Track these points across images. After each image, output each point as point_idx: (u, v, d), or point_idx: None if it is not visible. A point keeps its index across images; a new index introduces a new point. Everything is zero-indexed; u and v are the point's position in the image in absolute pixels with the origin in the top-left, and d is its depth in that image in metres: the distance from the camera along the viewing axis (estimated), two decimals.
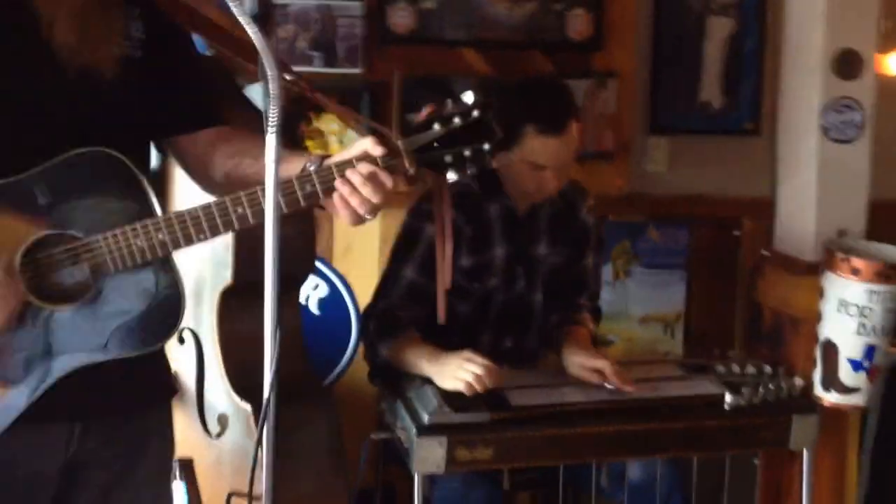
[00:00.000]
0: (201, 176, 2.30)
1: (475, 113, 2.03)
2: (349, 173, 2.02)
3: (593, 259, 3.49)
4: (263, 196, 1.97)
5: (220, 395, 2.77)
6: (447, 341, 3.09)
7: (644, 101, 4.30)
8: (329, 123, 3.98)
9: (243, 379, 2.71)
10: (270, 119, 1.81)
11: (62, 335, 2.03)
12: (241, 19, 1.79)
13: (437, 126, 2.03)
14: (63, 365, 2.03)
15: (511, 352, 3.29)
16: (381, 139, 2.06)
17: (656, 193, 4.32)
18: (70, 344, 2.03)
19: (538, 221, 3.33)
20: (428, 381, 2.98)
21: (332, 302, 4.07)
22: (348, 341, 4.10)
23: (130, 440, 2.22)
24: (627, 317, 4.31)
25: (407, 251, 3.19)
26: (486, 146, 2.04)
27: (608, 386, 3.04)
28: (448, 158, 2.04)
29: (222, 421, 2.78)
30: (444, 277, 2.44)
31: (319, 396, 2.87)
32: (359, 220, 2.06)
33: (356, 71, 4.01)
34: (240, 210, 2.03)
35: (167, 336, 2.11)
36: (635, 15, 4.21)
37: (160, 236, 2.01)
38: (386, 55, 4.05)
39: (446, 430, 2.79)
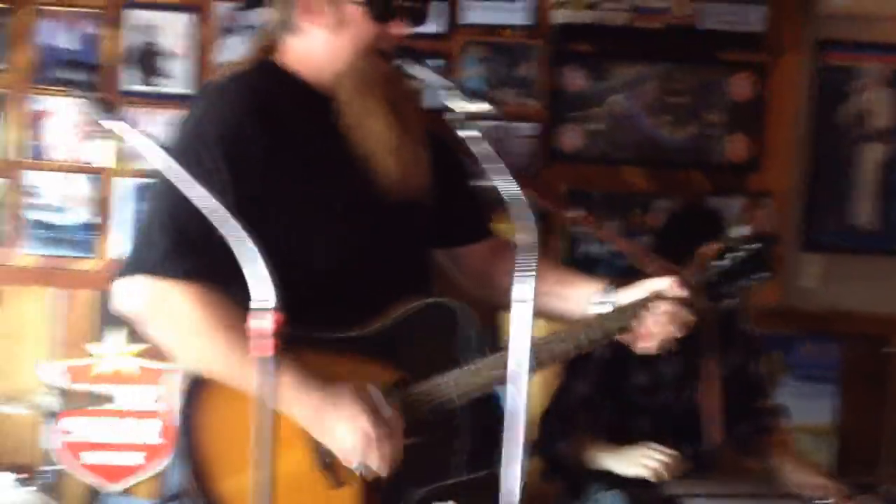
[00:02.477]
0: (480, 286, 2.56)
1: (756, 246, 2.26)
2: (655, 312, 2.27)
3: (765, 365, 3.62)
4: (581, 333, 2.27)
5: None
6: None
7: (798, 219, 4.47)
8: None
9: None
10: (525, 260, 1.99)
11: (408, 465, 2.27)
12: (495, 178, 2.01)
13: (723, 261, 2.27)
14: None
15: (692, 458, 3.42)
16: (680, 278, 2.30)
17: (809, 308, 4.47)
18: (415, 473, 2.28)
19: (702, 334, 3.49)
20: (613, 484, 3.13)
21: None
22: None
23: None
24: None
25: (581, 366, 3.38)
26: (766, 275, 2.26)
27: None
28: (732, 289, 2.28)
29: None
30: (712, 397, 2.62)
31: None
32: (660, 349, 2.29)
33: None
34: (559, 347, 2.30)
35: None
36: (792, 139, 4.41)
37: (495, 374, 2.27)
38: (554, 172, 4.30)
39: None
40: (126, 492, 4.38)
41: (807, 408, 4.47)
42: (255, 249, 1.64)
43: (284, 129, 2.25)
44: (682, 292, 2.31)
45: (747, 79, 4.36)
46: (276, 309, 1.62)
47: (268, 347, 1.61)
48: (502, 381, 2.27)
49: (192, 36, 4.35)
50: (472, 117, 2.10)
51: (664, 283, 2.33)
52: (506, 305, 2.51)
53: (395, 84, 2.30)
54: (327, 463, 2.25)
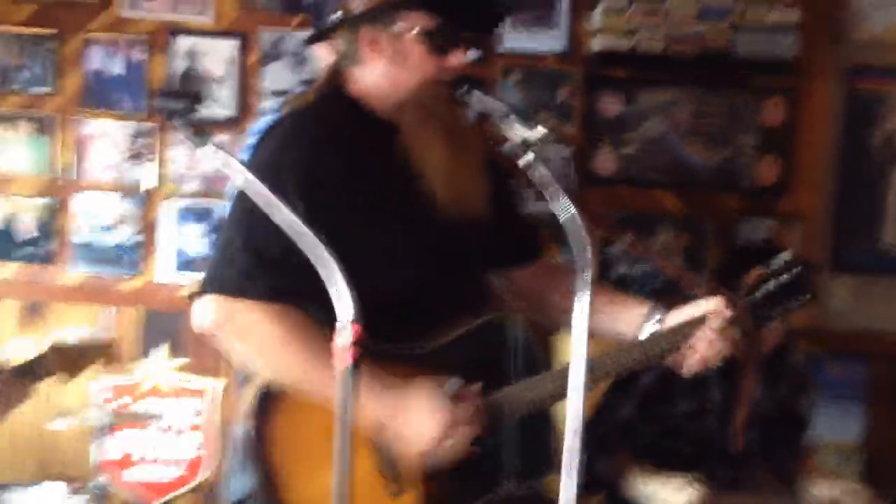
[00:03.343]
0: (532, 307, 2.67)
1: (797, 270, 2.39)
2: (704, 332, 2.39)
3: (808, 400, 3.70)
4: (633, 352, 2.39)
5: None
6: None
7: (828, 241, 4.56)
8: None
9: None
10: (585, 279, 2.08)
11: (463, 475, 2.36)
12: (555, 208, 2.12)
13: (767, 284, 2.40)
14: None
15: (730, 483, 3.47)
16: (727, 299, 2.42)
17: (837, 328, 4.55)
18: (469, 484, 2.38)
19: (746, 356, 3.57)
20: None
21: None
22: None
23: None
24: None
25: (623, 388, 3.45)
26: (806, 297, 2.40)
27: None
28: (777, 310, 2.42)
29: None
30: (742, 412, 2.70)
31: None
32: (706, 367, 2.42)
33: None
34: (611, 365, 2.42)
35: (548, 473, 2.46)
36: (822, 162, 4.51)
37: (550, 390, 2.38)
38: (589, 194, 4.40)
39: None
40: None
41: (835, 426, 4.54)
42: (337, 267, 1.74)
43: (353, 157, 2.36)
44: (730, 313, 2.41)
45: (778, 103, 4.46)
46: (355, 321, 1.72)
47: (349, 358, 1.71)
48: (557, 397, 2.38)
49: (236, 61, 4.47)
50: (529, 143, 2.21)
51: (712, 304, 2.44)
52: (558, 325, 2.65)
53: (454, 110, 2.40)
54: (389, 471, 2.35)
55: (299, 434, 2.32)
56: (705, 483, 3.17)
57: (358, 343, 1.70)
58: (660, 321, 2.47)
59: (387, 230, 2.36)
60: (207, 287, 2.31)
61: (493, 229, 2.53)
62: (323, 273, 1.74)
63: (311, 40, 2.64)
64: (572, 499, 1.99)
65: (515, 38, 4.41)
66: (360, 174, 2.35)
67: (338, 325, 1.71)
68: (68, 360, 2.78)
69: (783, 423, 3.57)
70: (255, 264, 2.24)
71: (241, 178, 1.82)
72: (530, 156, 2.18)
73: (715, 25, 4.29)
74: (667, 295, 3.50)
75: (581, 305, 2.01)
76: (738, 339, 2.42)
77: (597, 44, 4.35)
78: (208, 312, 2.30)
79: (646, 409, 3.37)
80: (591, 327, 2.34)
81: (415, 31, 2.37)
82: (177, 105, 1.81)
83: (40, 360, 2.71)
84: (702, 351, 2.41)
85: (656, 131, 4.47)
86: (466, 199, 2.42)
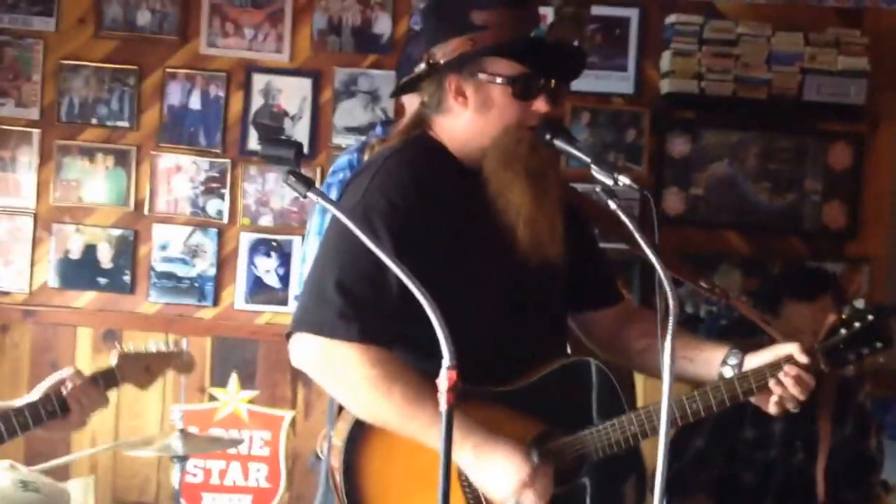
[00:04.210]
0: (610, 349, 2.72)
1: (870, 317, 2.47)
2: (781, 376, 2.45)
3: (878, 440, 3.72)
4: (713, 394, 2.43)
5: None
6: None
7: (894, 284, 4.57)
8: None
9: None
10: (669, 322, 2.13)
11: None
12: (646, 248, 2.17)
13: (842, 331, 2.48)
14: None
15: None
16: (804, 344, 2.48)
17: None
18: None
19: (819, 399, 3.56)
20: None
21: None
22: None
23: None
24: None
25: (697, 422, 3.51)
26: (881, 344, 2.47)
27: None
28: (851, 357, 2.48)
29: None
30: (823, 458, 2.75)
31: None
32: (785, 411, 2.47)
33: (625, 247, 4.41)
34: (694, 406, 2.46)
35: None
36: (888, 206, 4.53)
37: (632, 429, 2.45)
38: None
39: None
40: None
41: None
42: (435, 309, 1.81)
43: (440, 201, 2.42)
44: (806, 358, 2.46)
45: (845, 148, 4.49)
46: (451, 367, 1.79)
47: (445, 402, 1.78)
48: (641, 437, 2.43)
49: (309, 99, 4.58)
50: (611, 191, 2.27)
51: (790, 349, 2.49)
52: (636, 367, 2.70)
53: (537, 155, 2.47)
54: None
55: (389, 469, 2.39)
56: None
57: (454, 389, 1.76)
58: (737, 365, 2.52)
59: (471, 273, 2.42)
60: (302, 326, 2.37)
61: (574, 272, 2.58)
62: (421, 313, 1.80)
63: (399, 91, 2.70)
64: None
65: (584, 80, 4.42)
66: (446, 218, 2.41)
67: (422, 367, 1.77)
68: (141, 368, 2.87)
69: (852, 463, 3.59)
70: (347, 305, 2.31)
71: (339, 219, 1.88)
72: (612, 205, 2.25)
73: (784, 70, 4.33)
74: (733, 336, 3.55)
75: (666, 349, 2.07)
76: (811, 385, 2.46)
77: (665, 86, 4.41)
78: (304, 351, 2.37)
79: (716, 436, 3.41)
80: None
81: (499, 80, 2.43)
82: (284, 153, 1.89)
83: (116, 367, 2.81)
84: (778, 394, 2.46)
85: (724, 173, 4.51)
86: (548, 243, 2.47)
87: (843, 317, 2.52)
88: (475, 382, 2.21)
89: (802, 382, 2.45)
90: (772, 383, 2.46)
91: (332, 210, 1.99)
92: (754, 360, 2.51)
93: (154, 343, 2.94)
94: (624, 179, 2.28)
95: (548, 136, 2.42)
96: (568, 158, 2.47)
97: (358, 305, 2.31)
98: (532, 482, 2.33)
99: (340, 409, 2.48)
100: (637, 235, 2.18)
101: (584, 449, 2.45)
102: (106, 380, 2.81)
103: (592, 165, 2.30)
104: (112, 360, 2.85)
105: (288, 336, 2.40)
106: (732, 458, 3.47)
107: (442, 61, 2.46)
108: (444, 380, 1.77)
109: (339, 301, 2.31)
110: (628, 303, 2.80)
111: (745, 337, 3.42)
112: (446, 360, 1.79)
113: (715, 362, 2.54)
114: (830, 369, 2.51)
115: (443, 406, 1.78)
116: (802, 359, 2.46)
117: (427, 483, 2.19)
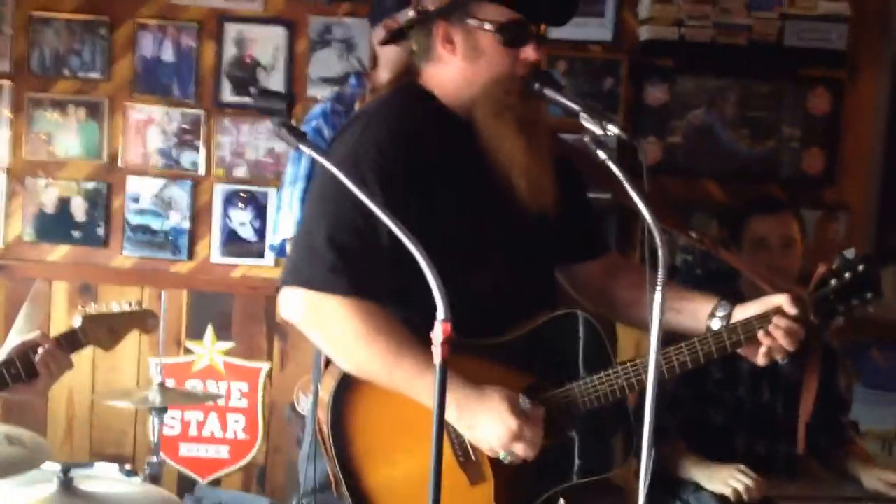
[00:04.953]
0: (597, 301, 2.71)
1: (860, 267, 2.45)
2: (771, 328, 2.44)
3: (845, 379, 3.74)
4: (701, 346, 2.42)
5: None
6: (705, 447, 3.40)
7: (873, 232, 4.59)
8: None
9: None
10: (659, 277, 2.10)
11: (537, 465, 2.42)
12: (636, 198, 2.14)
13: (832, 282, 2.46)
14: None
15: (765, 457, 3.54)
16: (795, 296, 2.47)
17: (881, 318, 4.56)
18: (542, 473, 2.46)
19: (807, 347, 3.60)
20: (700, 487, 3.27)
21: None
22: None
23: None
24: None
25: None
26: (871, 295, 2.46)
27: None
28: (841, 308, 2.47)
29: None
30: (806, 410, 2.77)
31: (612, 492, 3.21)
32: (773, 362, 2.49)
33: (607, 195, 4.39)
34: (681, 358, 2.45)
35: (624, 462, 2.55)
36: (867, 153, 4.53)
37: (619, 382, 2.45)
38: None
39: None
40: (215, 483, 4.55)
41: (875, 414, 4.58)
42: (427, 260, 1.79)
43: (430, 151, 2.39)
44: (796, 309, 2.45)
45: (825, 94, 4.48)
46: (445, 319, 1.77)
47: (440, 354, 1.76)
48: (629, 389, 2.42)
49: (285, 49, 4.51)
50: (601, 141, 2.24)
51: (779, 300, 2.48)
52: (622, 319, 2.69)
53: (527, 104, 2.44)
54: (466, 460, 2.40)
55: (377, 422, 2.38)
56: (757, 472, 3.21)
57: (448, 341, 1.74)
58: (726, 317, 2.51)
59: (464, 224, 2.40)
60: (291, 279, 2.35)
61: (562, 223, 2.56)
62: (414, 266, 1.78)
63: (387, 40, 2.66)
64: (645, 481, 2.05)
65: (562, 27, 4.41)
66: (438, 168, 2.39)
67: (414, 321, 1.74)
68: (105, 329, 2.83)
69: (822, 405, 3.60)
70: (338, 259, 2.28)
71: (334, 175, 1.85)
72: (603, 154, 2.23)
73: (764, 16, 4.30)
74: (708, 285, 3.54)
75: (656, 301, 2.05)
76: (801, 336, 2.46)
77: (644, 33, 4.37)
78: (294, 305, 2.35)
79: (686, 378, 3.42)
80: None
81: (489, 26, 2.39)
82: (276, 105, 1.86)
83: (78, 329, 2.76)
84: (768, 345, 2.44)
85: (702, 121, 4.48)
86: (540, 193, 2.45)
87: (833, 267, 2.50)
88: (467, 335, 2.19)
89: (792, 334, 2.44)
90: (760, 335, 2.45)
91: (323, 162, 1.95)
92: (743, 312, 2.50)
93: (117, 304, 2.89)
94: (613, 128, 2.26)
95: (537, 86, 2.39)
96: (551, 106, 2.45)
97: (348, 259, 2.29)
98: (521, 432, 2.32)
99: (328, 363, 2.46)
100: (627, 186, 2.15)
101: (572, 401, 2.45)
102: (70, 342, 2.76)
103: (582, 114, 2.27)
104: (76, 321, 2.79)
105: (278, 290, 2.37)
106: (701, 399, 3.48)
107: (431, 8, 2.43)
108: (439, 332, 1.74)
109: (329, 255, 2.29)
110: (615, 255, 2.78)
111: (721, 286, 3.44)
112: (440, 313, 1.76)
113: (703, 314, 2.53)
114: (820, 321, 2.49)
115: (437, 359, 1.75)
116: (792, 310, 2.45)
117: (414, 435, 2.19)
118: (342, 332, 2.31)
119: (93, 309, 2.85)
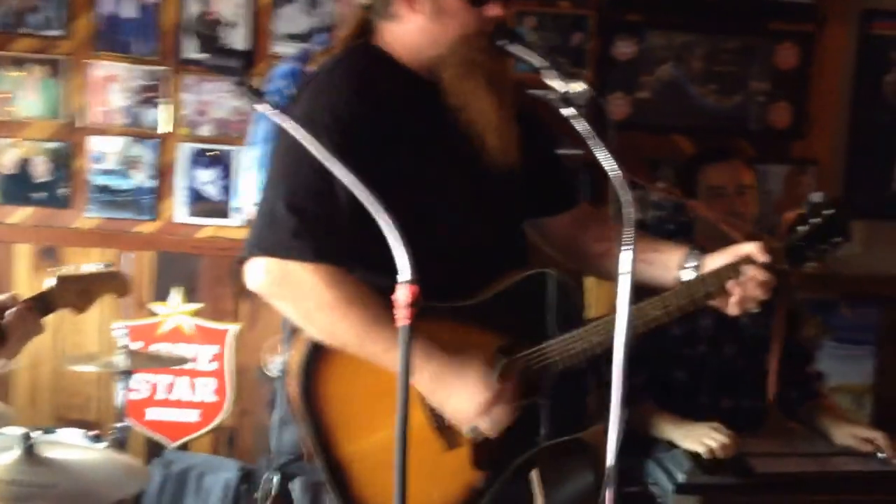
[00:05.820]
0: (567, 254, 2.70)
1: (828, 211, 2.43)
2: (744, 278, 2.41)
3: (812, 331, 3.73)
4: (674, 299, 2.42)
5: None
6: (669, 403, 3.40)
7: (841, 186, 4.58)
8: None
9: None
10: (629, 229, 2.09)
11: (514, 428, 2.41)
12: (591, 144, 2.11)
13: (804, 226, 2.44)
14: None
15: (730, 412, 3.52)
16: (764, 243, 2.45)
17: (850, 274, 4.57)
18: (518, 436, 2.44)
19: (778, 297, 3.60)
20: (673, 445, 3.27)
21: None
22: None
23: None
24: None
25: None
26: (840, 239, 2.44)
27: (879, 456, 3.25)
28: (811, 254, 2.45)
29: None
30: (775, 358, 2.75)
31: (584, 452, 3.20)
32: (745, 311, 2.46)
33: (578, 152, 4.35)
34: (655, 312, 2.43)
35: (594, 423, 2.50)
36: (836, 107, 4.51)
37: (593, 339, 2.42)
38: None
39: (701, 490, 3.07)
40: (183, 447, 4.52)
41: (846, 369, 4.61)
42: (392, 223, 1.75)
43: (390, 112, 2.35)
44: (767, 257, 2.43)
45: (793, 48, 4.45)
46: (411, 281, 1.74)
47: (405, 318, 1.73)
48: (602, 346, 2.40)
49: (248, 4, 4.44)
50: (569, 97, 2.21)
51: (749, 248, 2.46)
52: (592, 271, 2.67)
53: (494, 61, 2.40)
54: (442, 425, 2.38)
55: (349, 391, 2.35)
56: (729, 429, 3.20)
57: (414, 304, 1.71)
58: (697, 267, 2.48)
59: (429, 184, 2.37)
60: (256, 249, 2.31)
61: (530, 177, 2.54)
62: (379, 228, 1.75)
63: None
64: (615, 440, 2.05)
65: None
66: (399, 129, 2.34)
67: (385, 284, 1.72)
68: (78, 291, 2.77)
69: (788, 356, 3.61)
70: (300, 224, 2.25)
71: (296, 137, 1.81)
72: (571, 110, 2.19)
73: None
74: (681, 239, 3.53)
75: (626, 255, 2.02)
76: (773, 283, 2.44)
77: None
78: (260, 274, 2.31)
79: (647, 336, 3.41)
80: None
81: None
82: (234, 63, 1.81)
83: (50, 291, 2.69)
84: (739, 294, 2.43)
85: (671, 75, 4.45)
86: (509, 149, 2.43)
87: (802, 212, 2.47)
88: (439, 297, 2.16)
89: (764, 282, 2.42)
90: (730, 284, 2.43)
91: (282, 124, 1.91)
92: (714, 262, 2.48)
93: (90, 265, 2.83)
94: (576, 86, 2.22)
95: (502, 42, 2.35)
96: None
97: (311, 224, 2.25)
98: (490, 407, 2.31)
99: (294, 331, 2.42)
100: (593, 141, 2.13)
101: (546, 361, 2.43)
102: (43, 305, 2.69)
103: (546, 71, 2.23)
104: (48, 282, 2.73)
105: (241, 261, 2.33)
106: (662, 357, 3.47)
107: None
108: (403, 294, 1.71)
109: (291, 221, 2.25)
110: (585, 206, 2.76)
111: (691, 240, 3.43)
112: (405, 274, 1.73)
113: (674, 265, 2.51)
114: (791, 267, 2.48)
115: (402, 322, 1.72)
116: (762, 257, 2.43)
117: (387, 403, 2.15)
118: (311, 301, 2.28)
119: (66, 270, 2.78)
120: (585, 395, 2.52)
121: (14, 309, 2.54)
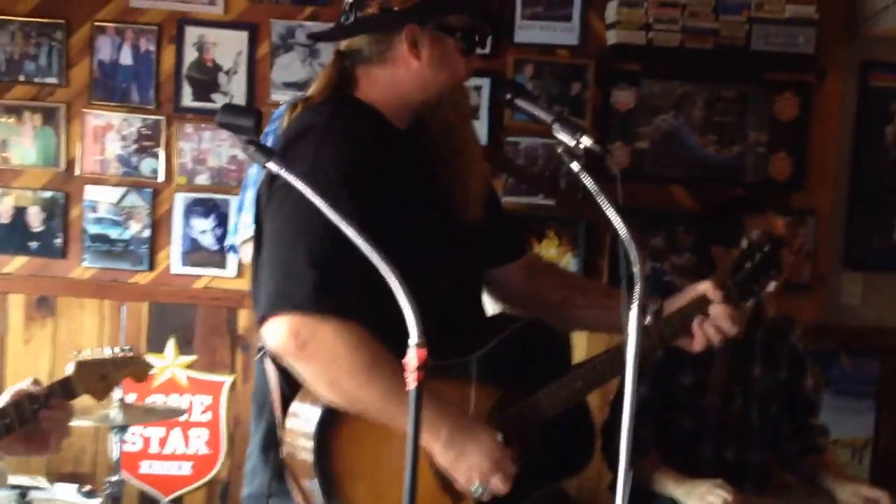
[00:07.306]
0: (526, 306, 2.71)
1: (766, 247, 2.58)
2: (712, 318, 2.50)
3: (813, 382, 3.70)
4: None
5: None
6: (671, 453, 3.36)
7: (840, 237, 4.56)
8: (548, 249, 4.33)
9: None
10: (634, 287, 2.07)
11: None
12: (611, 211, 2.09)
13: (746, 263, 2.57)
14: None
15: (733, 465, 3.51)
16: (717, 282, 2.53)
17: (849, 324, 4.55)
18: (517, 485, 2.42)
19: (753, 344, 3.58)
20: (675, 502, 3.23)
21: None
22: None
23: None
24: None
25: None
26: (774, 272, 2.58)
27: None
28: (755, 288, 2.57)
29: None
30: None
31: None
32: (708, 349, 2.55)
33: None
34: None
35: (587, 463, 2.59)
36: (834, 158, 4.49)
37: (577, 385, 2.46)
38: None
39: None
40: (177, 501, 4.46)
41: (845, 422, 4.56)
42: (401, 283, 1.72)
43: (381, 168, 2.34)
44: (719, 292, 2.52)
45: (792, 98, 4.44)
46: (420, 344, 1.70)
47: (414, 381, 1.70)
48: (587, 390, 2.49)
49: (247, 53, 4.43)
50: (574, 152, 2.19)
51: (703, 287, 2.55)
52: (552, 320, 2.67)
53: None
54: (447, 483, 2.37)
55: (362, 450, 2.32)
56: (733, 486, 3.17)
57: (423, 367, 1.68)
58: (656, 311, 2.49)
59: (417, 239, 2.35)
60: (276, 307, 2.23)
61: (485, 228, 2.57)
62: (387, 287, 1.73)
63: (341, 34, 2.53)
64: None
65: (529, 31, 4.38)
66: (390, 184, 2.34)
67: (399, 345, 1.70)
68: (98, 377, 2.68)
69: (790, 407, 3.58)
70: (322, 279, 2.19)
71: (306, 192, 1.79)
72: (576, 165, 2.18)
73: (731, 19, 4.26)
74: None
75: (631, 310, 2.06)
76: (733, 318, 2.53)
77: (612, 37, 4.32)
78: (285, 334, 2.22)
79: (657, 383, 3.41)
80: (588, 321, 2.64)
81: (458, 34, 2.38)
82: (243, 122, 1.79)
83: (70, 379, 2.60)
84: (702, 332, 2.52)
85: (670, 126, 4.44)
86: (477, 202, 2.48)
87: (744, 249, 2.61)
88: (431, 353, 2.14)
89: (732, 317, 2.51)
90: (696, 322, 2.52)
91: (294, 182, 1.87)
92: (673, 304, 2.56)
93: (108, 349, 2.75)
94: (586, 140, 2.21)
95: (509, 96, 2.34)
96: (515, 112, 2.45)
97: (332, 278, 2.20)
98: (502, 465, 2.33)
99: (285, 394, 2.38)
100: (601, 198, 2.12)
101: (538, 411, 2.47)
102: (64, 391, 2.60)
103: (554, 125, 2.22)
104: (68, 369, 2.64)
105: (261, 321, 2.26)
106: (671, 404, 3.45)
107: (396, 8, 2.36)
108: (413, 357, 1.68)
109: (312, 275, 2.19)
110: (534, 256, 2.82)
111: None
112: (414, 337, 1.69)
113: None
114: (742, 301, 2.60)
115: (411, 385, 1.69)
116: (715, 295, 2.51)
117: (397, 465, 2.11)
118: (341, 364, 2.23)
119: (86, 354, 2.69)
120: (574, 438, 2.57)
121: (48, 410, 2.43)
